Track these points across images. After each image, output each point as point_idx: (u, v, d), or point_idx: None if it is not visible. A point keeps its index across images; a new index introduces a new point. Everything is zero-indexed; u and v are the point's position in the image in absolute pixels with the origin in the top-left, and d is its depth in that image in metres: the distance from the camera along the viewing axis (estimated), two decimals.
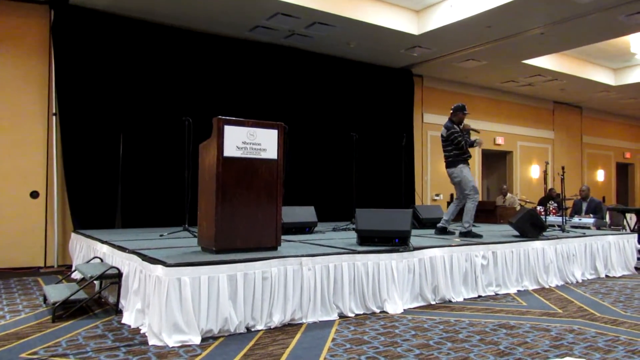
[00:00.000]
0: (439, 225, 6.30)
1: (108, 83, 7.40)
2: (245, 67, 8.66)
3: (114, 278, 4.25)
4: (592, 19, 7.92)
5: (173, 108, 7.63)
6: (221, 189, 3.95)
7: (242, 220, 4.03)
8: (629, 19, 7.90)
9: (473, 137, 6.31)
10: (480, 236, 5.88)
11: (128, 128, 7.44)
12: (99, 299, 4.67)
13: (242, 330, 3.62)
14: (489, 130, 12.91)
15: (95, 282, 4.39)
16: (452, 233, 6.21)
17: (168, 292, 3.36)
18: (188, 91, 8.03)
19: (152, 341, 3.34)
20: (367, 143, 9.37)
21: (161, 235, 5.70)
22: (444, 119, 11.92)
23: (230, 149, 4.02)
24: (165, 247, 4.53)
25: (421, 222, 7.26)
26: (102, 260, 5.01)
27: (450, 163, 6.14)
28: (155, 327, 3.37)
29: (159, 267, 3.49)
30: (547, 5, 7.40)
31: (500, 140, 13.14)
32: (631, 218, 9.57)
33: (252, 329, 3.68)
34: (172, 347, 3.26)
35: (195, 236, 4.98)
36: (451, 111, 6.27)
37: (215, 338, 3.47)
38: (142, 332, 3.58)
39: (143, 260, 3.85)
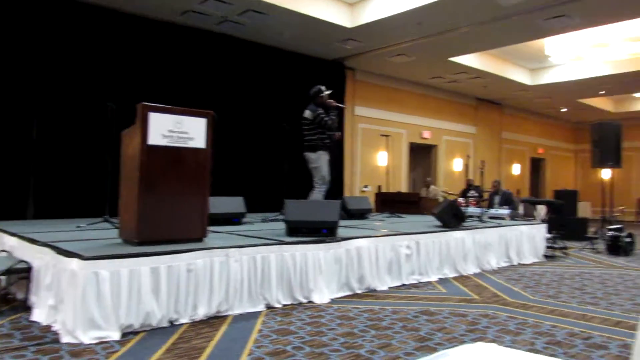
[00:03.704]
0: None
1: (21, 65, 6.86)
2: (175, 52, 8.37)
3: (22, 273, 3.97)
4: (513, 21, 8.38)
5: (96, 93, 7.25)
6: (145, 179, 3.79)
7: (167, 211, 3.90)
8: (546, 22, 8.45)
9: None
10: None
11: (43, 113, 6.95)
12: (6, 296, 4.34)
13: (165, 324, 3.51)
14: (417, 124, 13.36)
15: (1, 277, 4.07)
16: None
17: (84, 286, 3.18)
18: (113, 75, 7.65)
19: (65, 339, 3.16)
20: (298, 133, 9.36)
21: (78, 227, 5.40)
22: (375, 112, 12.34)
23: (156, 137, 3.86)
24: (83, 239, 4.30)
25: (349, 213, 7.38)
26: (9, 253, 4.66)
27: (311, 147, 6.11)
28: (69, 324, 3.19)
29: (75, 260, 3.30)
30: (472, 5, 7.73)
31: (426, 134, 13.63)
32: (541, 209, 10.32)
33: (176, 323, 3.58)
34: (88, 344, 3.10)
35: (116, 227, 4.75)
36: (311, 96, 6.20)
37: (135, 333, 3.34)
38: (54, 329, 3.38)
39: (57, 253, 3.62)
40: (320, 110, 6.00)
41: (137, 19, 7.95)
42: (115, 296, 3.29)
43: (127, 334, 3.30)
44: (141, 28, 7.99)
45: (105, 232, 4.89)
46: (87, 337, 3.13)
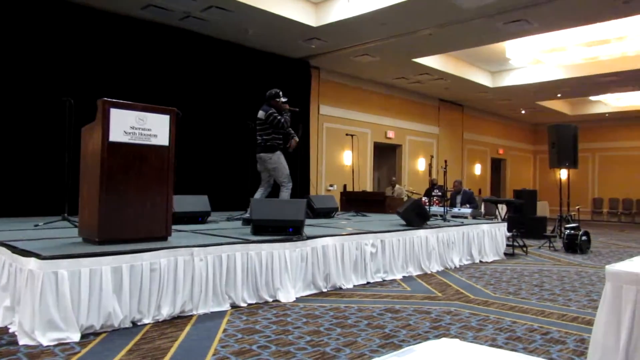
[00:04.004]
0: (245, 216, 5.67)
1: None
2: (137, 47, 8.17)
3: None
4: (474, 24, 8.58)
5: (53, 88, 6.99)
6: (106, 176, 3.69)
7: (130, 209, 3.81)
8: (506, 26, 8.69)
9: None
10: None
11: None
12: None
13: (128, 324, 3.43)
14: (381, 124, 13.51)
15: None
16: None
17: (43, 287, 3.08)
18: (72, 70, 7.42)
19: (22, 341, 3.04)
20: None
21: (36, 226, 5.21)
22: (340, 112, 12.40)
23: (117, 134, 3.76)
24: (41, 238, 4.15)
25: (315, 212, 7.39)
26: None
27: (268, 148, 6.09)
28: (26, 326, 3.07)
29: (32, 259, 3.18)
30: (435, 8, 7.87)
31: (391, 134, 13.79)
32: (502, 208, 10.61)
33: (139, 323, 3.50)
34: (47, 346, 3.00)
35: (75, 226, 4.61)
36: (266, 98, 6.22)
37: (97, 334, 3.25)
38: (11, 331, 3.26)
39: (13, 252, 3.49)
40: (273, 110, 6.01)
41: (96, 11, 7.72)
42: (75, 296, 3.19)
43: (87, 335, 3.21)
44: (100, 21, 7.77)
45: (64, 231, 4.73)
46: (46, 339, 3.03)
